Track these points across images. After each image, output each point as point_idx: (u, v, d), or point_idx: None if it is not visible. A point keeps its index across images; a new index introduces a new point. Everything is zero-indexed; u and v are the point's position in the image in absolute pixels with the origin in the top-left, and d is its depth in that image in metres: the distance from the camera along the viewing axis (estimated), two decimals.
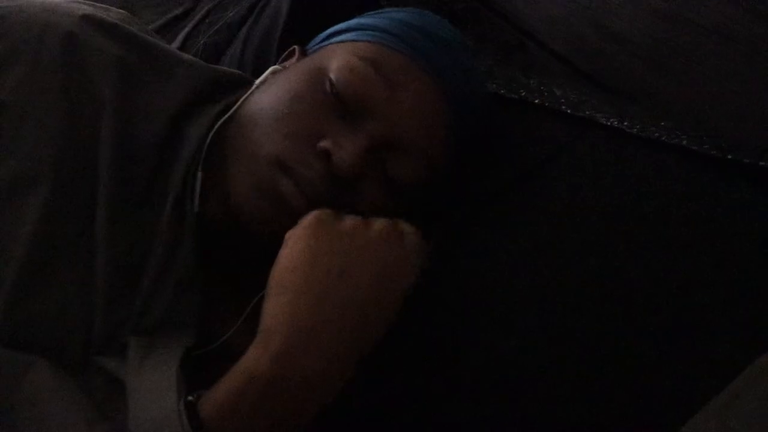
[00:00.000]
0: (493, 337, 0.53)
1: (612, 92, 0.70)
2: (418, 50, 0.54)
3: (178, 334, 0.48)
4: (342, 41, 0.57)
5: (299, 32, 0.69)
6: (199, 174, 0.52)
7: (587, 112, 0.59)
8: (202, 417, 0.42)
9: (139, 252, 0.49)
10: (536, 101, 0.62)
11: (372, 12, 0.62)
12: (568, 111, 0.60)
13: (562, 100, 0.61)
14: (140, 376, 0.44)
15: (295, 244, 0.45)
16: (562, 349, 0.51)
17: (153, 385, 0.43)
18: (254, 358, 0.43)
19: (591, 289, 0.52)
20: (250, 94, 0.56)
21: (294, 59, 0.60)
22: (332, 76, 0.52)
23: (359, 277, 0.44)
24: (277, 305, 0.44)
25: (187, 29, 0.84)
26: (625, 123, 0.56)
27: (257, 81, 0.58)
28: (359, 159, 0.49)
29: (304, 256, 0.44)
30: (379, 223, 0.48)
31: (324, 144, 0.49)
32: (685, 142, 0.53)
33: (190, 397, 0.43)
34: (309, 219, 0.47)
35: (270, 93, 0.55)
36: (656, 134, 0.54)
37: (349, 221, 0.47)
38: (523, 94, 0.63)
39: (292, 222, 0.48)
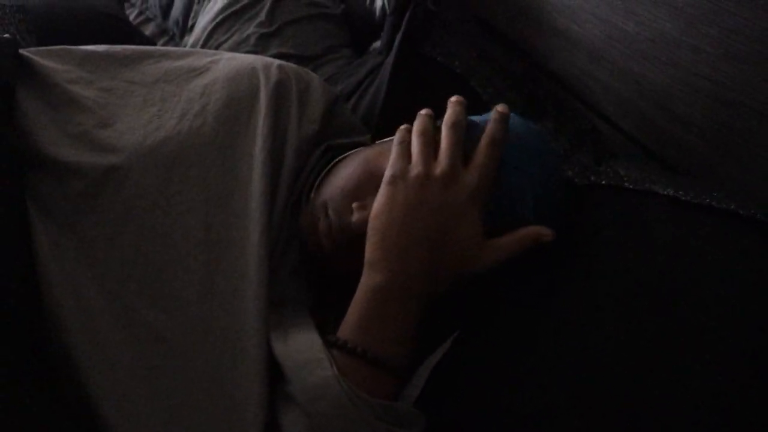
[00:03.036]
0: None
1: (675, 170, 0.76)
2: None
3: (299, 311, 0.64)
4: None
5: (396, 109, 0.82)
6: (312, 194, 0.71)
7: (647, 185, 0.64)
8: (345, 340, 0.57)
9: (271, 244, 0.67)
10: (603, 182, 0.68)
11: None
12: (630, 187, 0.66)
13: (625, 178, 0.67)
14: (290, 350, 0.58)
15: (378, 200, 0.60)
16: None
17: (306, 359, 0.57)
18: (366, 281, 0.59)
19: (639, 353, 0.54)
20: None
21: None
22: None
23: (421, 214, 0.58)
24: (372, 243, 0.59)
25: None
26: (680, 192, 0.61)
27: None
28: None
29: (385, 207, 0.59)
30: (439, 172, 0.60)
31: (356, 204, 0.64)
32: (733, 207, 0.57)
33: (329, 337, 0.59)
34: (386, 178, 0.61)
35: (351, 160, 0.71)
36: (707, 200, 0.59)
37: (413, 176, 0.60)
38: (593, 179, 0.70)
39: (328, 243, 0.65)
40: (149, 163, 0.65)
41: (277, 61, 0.80)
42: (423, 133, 0.63)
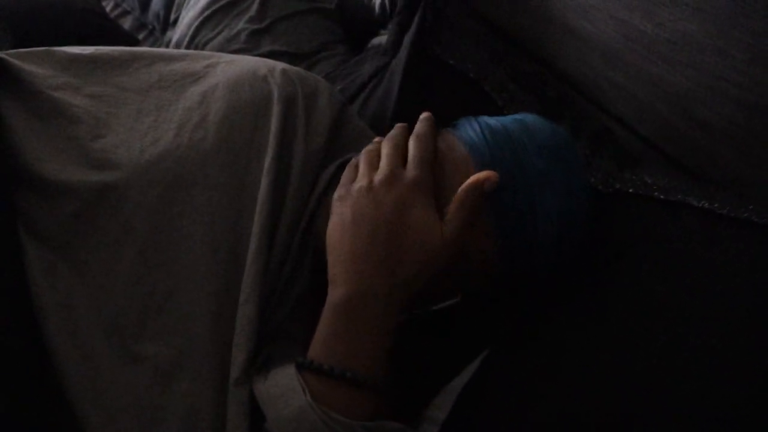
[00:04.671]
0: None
1: (699, 177, 0.73)
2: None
3: (290, 349, 0.59)
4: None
5: (410, 109, 0.78)
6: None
7: (679, 197, 0.62)
8: (312, 360, 0.54)
9: (277, 269, 0.63)
10: (630, 191, 0.66)
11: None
12: (661, 197, 0.63)
13: (654, 187, 0.65)
14: (268, 385, 0.55)
15: (332, 218, 0.59)
16: None
17: (281, 391, 0.54)
18: (330, 298, 0.56)
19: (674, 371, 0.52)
20: None
21: None
22: None
23: (368, 219, 0.57)
24: (332, 260, 0.57)
25: None
26: (716, 204, 0.59)
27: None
28: None
29: (337, 224, 0.58)
30: (378, 179, 0.59)
31: None
32: None
33: (300, 359, 0.55)
34: (335, 197, 0.61)
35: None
36: (745, 214, 0.57)
37: (356, 189, 0.59)
38: (618, 186, 0.67)
39: None
40: (148, 180, 0.61)
41: (280, 65, 0.75)
42: (368, 152, 0.63)
